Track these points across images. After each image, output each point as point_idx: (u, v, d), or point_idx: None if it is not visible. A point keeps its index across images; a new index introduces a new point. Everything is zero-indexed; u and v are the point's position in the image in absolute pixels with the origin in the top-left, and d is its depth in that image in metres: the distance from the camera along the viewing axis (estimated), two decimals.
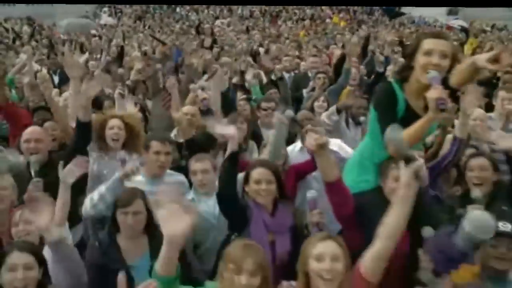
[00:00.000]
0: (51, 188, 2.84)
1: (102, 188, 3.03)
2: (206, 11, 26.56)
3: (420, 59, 2.51)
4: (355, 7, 26.64)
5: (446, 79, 2.52)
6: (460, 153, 3.40)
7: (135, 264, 2.71)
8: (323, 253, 2.13)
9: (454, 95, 2.65)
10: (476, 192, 3.03)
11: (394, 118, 2.56)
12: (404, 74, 2.65)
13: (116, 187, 2.97)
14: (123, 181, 2.99)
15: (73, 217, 3.07)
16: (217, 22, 17.29)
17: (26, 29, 15.77)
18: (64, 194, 2.78)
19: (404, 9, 26.47)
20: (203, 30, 11.81)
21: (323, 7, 26.72)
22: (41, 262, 2.39)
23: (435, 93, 2.35)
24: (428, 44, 2.51)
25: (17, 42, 13.55)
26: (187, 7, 27.10)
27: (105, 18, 19.62)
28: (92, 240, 2.97)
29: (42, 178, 3.10)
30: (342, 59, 6.23)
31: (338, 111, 4.48)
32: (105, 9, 24.30)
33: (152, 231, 2.75)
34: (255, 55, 8.87)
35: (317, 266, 2.13)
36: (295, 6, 26.18)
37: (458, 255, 2.23)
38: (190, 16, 25.41)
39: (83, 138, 3.47)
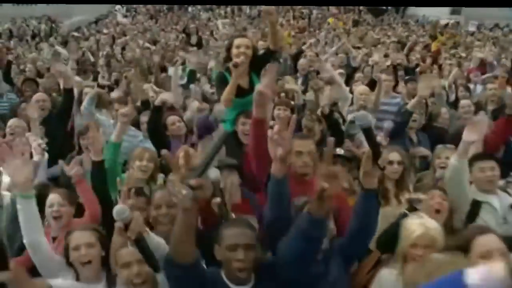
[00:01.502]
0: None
1: None
2: (217, 10, 27.60)
3: (233, 51, 3.89)
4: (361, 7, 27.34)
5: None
6: None
7: None
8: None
9: None
10: None
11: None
12: (226, 65, 4.02)
13: None
14: None
15: None
16: (218, 22, 18.28)
17: (44, 27, 17.08)
18: None
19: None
20: (189, 29, 13.29)
21: (329, 7, 27.55)
22: (102, 239, 2.69)
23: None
24: (237, 41, 3.93)
25: (36, 39, 14.99)
26: (199, 7, 28.23)
27: (119, 18, 20.70)
28: None
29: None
30: None
31: None
32: (118, 6, 25.32)
33: None
34: None
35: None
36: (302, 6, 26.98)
37: None
38: (201, 15, 26.48)
39: None
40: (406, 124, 4.52)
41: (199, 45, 10.95)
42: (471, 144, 3.17)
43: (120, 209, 2.48)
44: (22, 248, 2.88)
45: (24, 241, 2.70)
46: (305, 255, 2.14)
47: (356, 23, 20.54)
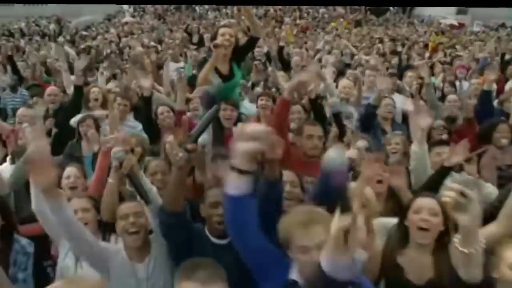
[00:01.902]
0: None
1: None
2: (224, 10, 27.97)
3: (218, 39, 4.23)
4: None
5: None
6: None
7: None
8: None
9: None
10: None
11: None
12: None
13: None
14: None
15: None
16: (224, 21, 18.64)
17: (53, 26, 17.55)
18: None
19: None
20: (191, 28, 13.59)
21: (336, 7, 27.77)
22: (97, 205, 3.00)
23: None
24: (221, 30, 4.27)
25: (46, 39, 15.47)
26: (206, 7, 28.65)
27: (127, 17, 21.12)
28: None
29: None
30: None
31: None
32: (126, 6, 25.83)
33: None
34: None
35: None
36: (309, 6, 27.24)
37: None
38: (208, 15, 26.86)
39: None
40: (370, 117, 4.69)
41: (200, 43, 11.29)
42: (425, 130, 3.43)
43: (115, 150, 2.88)
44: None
45: (33, 208, 2.92)
46: (267, 215, 2.32)
47: (359, 23, 20.66)
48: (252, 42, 4.50)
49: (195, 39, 12.46)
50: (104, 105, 5.14)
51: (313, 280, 1.69)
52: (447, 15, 26.80)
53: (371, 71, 5.83)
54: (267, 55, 8.16)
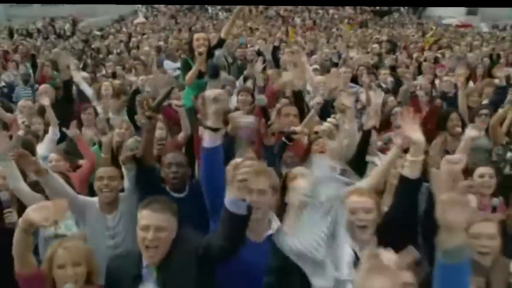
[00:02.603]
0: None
1: None
2: (235, 10, 28.44)
3: (194, 43, 5.08)
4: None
5: None
6: None
7: None
8: None
9: None
10: None
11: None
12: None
13: None
14: None
15: None
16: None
17: (68, 27, 18.33)
18: None
19: None
20: (195, 29, 14.43)
21: (346, 7, 28.11)
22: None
23: None
24: (196, 36, 5.17)
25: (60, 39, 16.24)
26: (218, 7, 29.25)
27: (140, 17, 21.79)
28: None
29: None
30: None
31: None
32: (139, 6, 26.51)
33: None
34: None
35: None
36: (318, 7, 27.62)
37: None
38: (219, 15, 27.44)
39: None
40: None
41: None
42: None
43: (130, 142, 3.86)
44: None
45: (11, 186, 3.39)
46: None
47: (364, 24, 21.02)
48: (221, 42, 5.53)
49: None
50: (117, 96, 5.91)
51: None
52: (456, 15, 26.99)
53: (345, 68, 6.33)
54: (258, 53, 8.72)
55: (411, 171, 2.66)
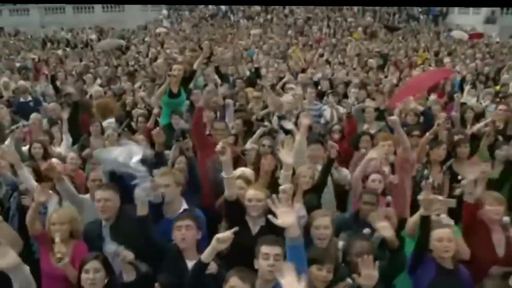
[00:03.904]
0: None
1: None
2: (256, 17, 29.41)
3: (173, 67, 6.26)
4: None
5: None
6: None
7: None
8: None
9: None
10: None
11: None
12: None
13: None
14: None
15: None
16: (251, 31, 20.12)
17: (94, 36, 19.76)
18: None
19: None
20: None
21: (365, 16, 28.61)
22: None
23: None
24: (174, 66, 6.39)
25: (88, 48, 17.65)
26: (240, 15, 30.32)
27: (160, 28, 22.79)
28: None
29: None
30: None
31: None
32: (164, 11, 27.62)
33: None
34: None
35: None
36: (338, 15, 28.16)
37: None
38: (240, 23, 28.38)
39: None
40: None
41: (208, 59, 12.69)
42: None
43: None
44: None
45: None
46: None
47: (374, 35, 21.58)
48: (192, 74, 6.85)
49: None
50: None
51: None
52: (475, 24, 27.14)
53: (310, 89, 7.34)
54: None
55: None
